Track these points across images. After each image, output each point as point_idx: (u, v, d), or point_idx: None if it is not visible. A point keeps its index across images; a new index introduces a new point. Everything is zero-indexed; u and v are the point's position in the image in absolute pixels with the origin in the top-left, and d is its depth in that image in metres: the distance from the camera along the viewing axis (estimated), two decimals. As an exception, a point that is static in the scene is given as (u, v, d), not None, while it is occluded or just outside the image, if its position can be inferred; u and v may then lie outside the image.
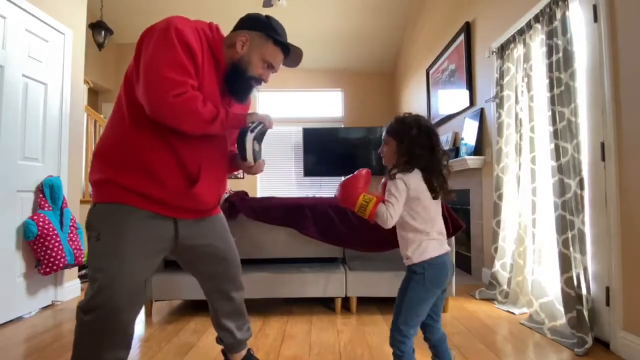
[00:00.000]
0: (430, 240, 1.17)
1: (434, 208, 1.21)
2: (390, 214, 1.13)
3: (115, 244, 1.06)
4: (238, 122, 1.12)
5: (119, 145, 1.07)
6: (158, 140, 1.07)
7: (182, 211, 1.16)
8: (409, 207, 1.17)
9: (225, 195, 2.36)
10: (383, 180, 1.24)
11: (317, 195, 2.95)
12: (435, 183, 1.18)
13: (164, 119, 1.02)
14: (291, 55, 1.29)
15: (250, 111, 1.27)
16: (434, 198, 1.19)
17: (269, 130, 1.20)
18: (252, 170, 1.20)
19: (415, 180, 1.16)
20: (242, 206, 2.27)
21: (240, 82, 1.20)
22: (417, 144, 1.17)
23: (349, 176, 1.20)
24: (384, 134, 1.27)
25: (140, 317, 2.24)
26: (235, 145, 1.20)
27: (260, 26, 1.22)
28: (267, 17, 1.25)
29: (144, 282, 1.12)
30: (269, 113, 1.21)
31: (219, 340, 1.44)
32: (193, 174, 1.12)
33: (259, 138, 1.15)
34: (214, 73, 1.15)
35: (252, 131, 1.10)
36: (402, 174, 1.15)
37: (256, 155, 1.14)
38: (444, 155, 1.21)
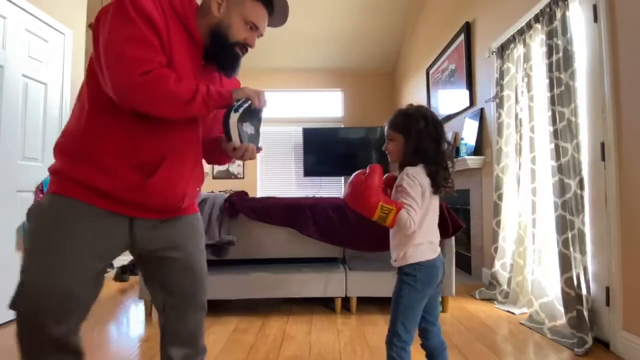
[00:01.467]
0: (424, 244, 1.15)
1: (433, 206, 1.17)
2: (413, 220, 1.08)
3: (49, 241, 0.92)
4: (223, 99, 0.95)
5: (73, 135, 0.96)
6: (114, 127, 0.93)
7: (139, 209, 0.98)
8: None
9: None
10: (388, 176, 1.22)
11: (317, 195, 2.95)
12: (438, 177, 1.14)
13: (135, 104, 0.89)
14: (276, 11, 1.10)
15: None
16: (435, 193, 1.16)
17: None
18: (238, 153, 1.00)
19: (422, 175, 1.13)
20: (242, 206, 2.27)
21: (224, 51, 1.03)
22: (425, 137, 1.14)
23: (358, 177, 1.11)
24: (386, 129, 1.22)
25: (140, 317, 2.25)
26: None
27: None
28: None
29: (81, 288, 0.94)
30: (262, 89, 1.02)
31: None
32: (152, 165, 0.95)
33: (249, 118, 1.00)
34: (186, 49, 0.99)
35: (235, 110, 0.95)
36: (412, 170, 1.12)
37: (243, 137, 0.97)
38: (448, 147, 1.18)
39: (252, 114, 1.00)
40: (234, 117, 0.94)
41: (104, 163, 0.92)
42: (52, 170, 0.97)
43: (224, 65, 1.06)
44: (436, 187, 1.15)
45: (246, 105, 0.96)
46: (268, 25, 1.11)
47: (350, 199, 1.13)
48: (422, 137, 1.14)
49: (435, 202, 1.19)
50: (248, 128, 1.00)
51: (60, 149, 0.97)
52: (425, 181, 1.13)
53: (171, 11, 0.96)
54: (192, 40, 1.00)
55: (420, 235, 1.14)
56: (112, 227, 0.97)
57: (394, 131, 1.19)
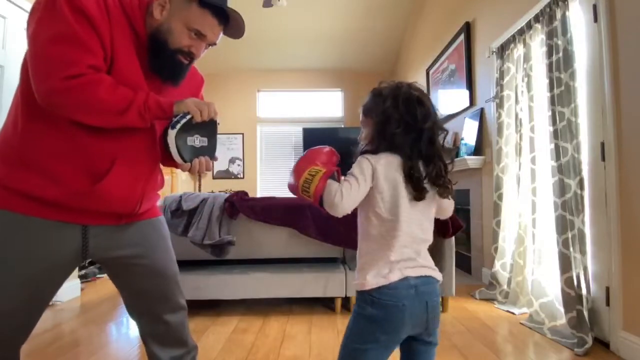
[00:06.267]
0: (391, 262, 0.82)
1: (412, 214, 0.84)
2: (342, 193, 0.81)
3: None
4: (162, 112, 0.88)
5: (11, 138, 0.87)
6: (51, 130, 0.86)
7: (91, 215, 0.91)
8: (371, 204, 0.85)
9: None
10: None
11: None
12: (414, 178, 0.83)
13: (58, 108, 0.82)
14: (231, 23, 1.01)
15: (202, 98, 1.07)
16: (415, 199, 0.83)
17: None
18: (184, 168, 0.94)
19: (384, 165, 0.84)
20: (242, 206, 2.27)
21: (162, 56, 0.94)
22: (390, 119, 0.85)
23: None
24: (360, 115, 0.97)
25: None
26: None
27: None
28: None
29: (23, 313, 0.87)
30: (211, 101, 0.95)
31: None
32: (101, 170, 0.88)
33: (198, 130, 0.92)
34: (133, 49, 0.92)
35: (172, 127, 0.87)
36: (369, 155, 0.88)
37: (184, 153, 0.90)
38: (440, 132, 0.88)
39: (202, 126, 0.92)
40: (171, 134, 0.87)
41: (48, 169, 0.85)
42: None
43: (162, 73, 0.97)
44: (417, 192, 0.82)
45: (184, 120, 0.88)
46: (224, 35, 1.03)
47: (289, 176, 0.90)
48: (386, 118, 0.86)
49: (418, 214, 0.85)
50: (197, 141, 0.93)
51: None
52: (393, 176, 0.84)
53: (118, 5, 0.90)
54: (138, 41, 0.93)
55: (382, 248, 0.83)
56: (61, 239, 0.89)
57: (364, 115, 0.95)
